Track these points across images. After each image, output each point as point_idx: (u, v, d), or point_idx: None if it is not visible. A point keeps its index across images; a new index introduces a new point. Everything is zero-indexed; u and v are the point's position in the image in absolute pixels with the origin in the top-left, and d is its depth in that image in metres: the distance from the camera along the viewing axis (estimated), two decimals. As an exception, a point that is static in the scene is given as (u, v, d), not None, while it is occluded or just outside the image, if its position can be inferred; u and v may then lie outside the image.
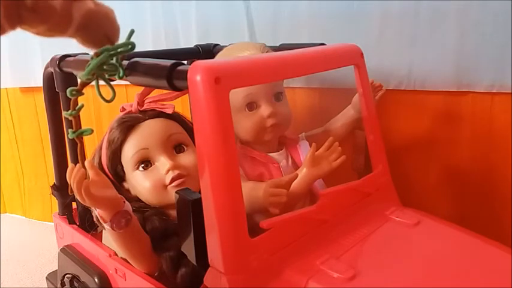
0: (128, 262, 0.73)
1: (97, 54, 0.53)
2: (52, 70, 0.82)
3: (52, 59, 0.81)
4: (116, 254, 0.77)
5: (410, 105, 0.97)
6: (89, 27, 0.45)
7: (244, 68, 0.58)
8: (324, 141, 0.74)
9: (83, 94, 0.58)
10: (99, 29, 0.47)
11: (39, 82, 0.90)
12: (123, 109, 0.80)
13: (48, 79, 0.85)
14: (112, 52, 0.53)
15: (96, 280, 0.78)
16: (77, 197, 0.61)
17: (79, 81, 0.57)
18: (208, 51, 1.04)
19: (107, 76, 0.57)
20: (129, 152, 0.75)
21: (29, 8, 0.39)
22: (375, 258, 0.63)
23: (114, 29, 0.49)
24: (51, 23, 0.42)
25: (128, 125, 0.76)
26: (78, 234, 0.88)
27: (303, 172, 0.73)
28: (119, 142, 0.76)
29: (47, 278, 1.00)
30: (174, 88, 0.56)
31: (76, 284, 0.84)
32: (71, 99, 0.59)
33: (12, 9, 0.38)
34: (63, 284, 0.89)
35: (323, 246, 0.62)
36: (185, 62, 0.60)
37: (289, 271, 0.57)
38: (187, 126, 0.80)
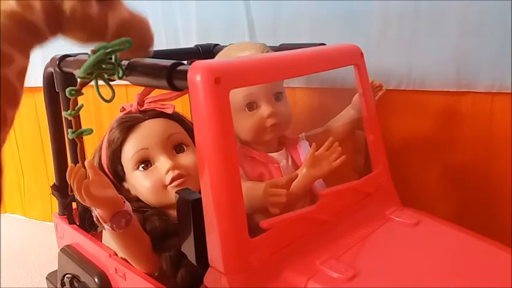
0: (128, 262, 0.73)
1: (94, 52, 0.53)
2: (52, 70, 0.82)
3: (52, 59, 0.82)
4: (116, 254, 0.77)
5: (410, 105, 0.97)
6: (125, 36, 0.47)
7: (244, 68, 0.58)
8: (324, 141, 0.74)
9: (82, 94, 0.58)
10: (134, 38, 0.48)
11: (39, 82, 0.90)
12: (123, 109, 0.80)
13: (48, 79, 0.85)
14: (109, 49, 0.53)
15: (96, 280, 0.78)
16: (77, 197, 0.61)
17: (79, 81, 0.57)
18: (208, 51, 1.04)
19: (106, 76, 0.57)
20: (129, 152, 0.75)
21: (67, 14, 0.41)
22: (375, 258, 0.63)
23: (149, 38, 0.51)
24: (88, 30, 0.44)
25: (128, 125, 0.76)
26: (78, 234, 0.88)
27: (303, 172, 0.73)
28: (118, 142, 0.76)
29: (47, 278, 1.00)
30: (174, 88, 0.56)
31: (76, 284, 0.84)
32: (70, 99, 0.59)
33: (52, 14, 0.40)
34: (63, 284, 0.89)
35: (323, 246, 0.62)
36: (185, 62, 0.60)
37: (289, 271, 0.57)
38: (187, 126, 0.80)
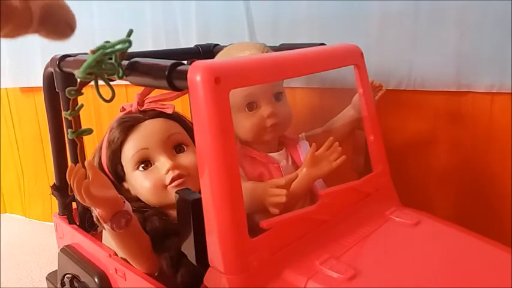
0: (128, 262, 0.73)
1: (93, 52, 0.53)
2: (52, 70, 0.82)
3: (52, 59, 0.81)
4: (116, 254, 0.77)
5: (410, 105, 0.97)
6: (50, 19, 0.48)
7: (244, 68, 0.58)
8: (324, 141, 0.74)
9: (82, 94, 0.58)
10: (59, 18, 0.49)
11: (39, 82, 0.90)
12: (123, 109, 0.80)
13: (48, 79, 0.85)
14: (108, 50, 0.53)
15: (96, 280, 0.78)
16: (77, 197, 0.61)
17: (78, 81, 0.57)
18: (208, 51, 1.04)
19: (106, 76, 0.57)
20: (129, 152, 0.75)
21: None
22: (375, 258, 0.63)
23: (72, 16, 0.51)
24: (14, 22, 0.44)
25: (128, 125, 0.76)
26: (78, 234, 0.88)
27: (303, 172, 0.73)
28: (119, 142, 0.76)
29: (47, 278, 1.00)
30: (174, 88, 0.56)
31: (76, 284, 0.84)
32: (70, 99, 0.59)
33: None
34: (63, 284, 0.89)
35: (323, 246, 0.62)
36: (185, 62, 0.60)
37: (289, 271, 0.57)
38: (187, 126, 0.80)
